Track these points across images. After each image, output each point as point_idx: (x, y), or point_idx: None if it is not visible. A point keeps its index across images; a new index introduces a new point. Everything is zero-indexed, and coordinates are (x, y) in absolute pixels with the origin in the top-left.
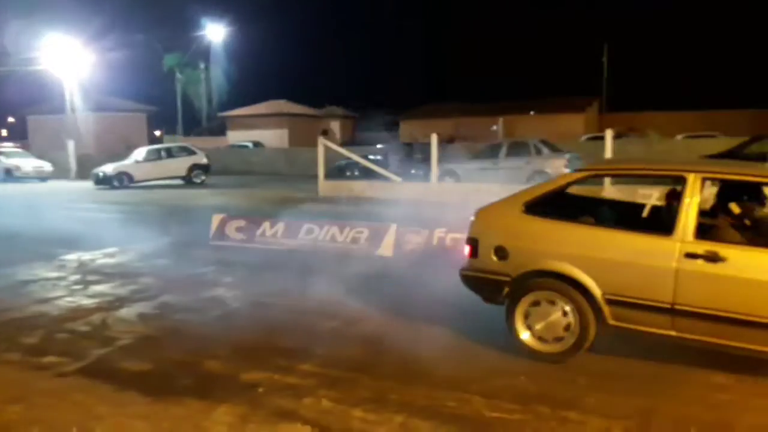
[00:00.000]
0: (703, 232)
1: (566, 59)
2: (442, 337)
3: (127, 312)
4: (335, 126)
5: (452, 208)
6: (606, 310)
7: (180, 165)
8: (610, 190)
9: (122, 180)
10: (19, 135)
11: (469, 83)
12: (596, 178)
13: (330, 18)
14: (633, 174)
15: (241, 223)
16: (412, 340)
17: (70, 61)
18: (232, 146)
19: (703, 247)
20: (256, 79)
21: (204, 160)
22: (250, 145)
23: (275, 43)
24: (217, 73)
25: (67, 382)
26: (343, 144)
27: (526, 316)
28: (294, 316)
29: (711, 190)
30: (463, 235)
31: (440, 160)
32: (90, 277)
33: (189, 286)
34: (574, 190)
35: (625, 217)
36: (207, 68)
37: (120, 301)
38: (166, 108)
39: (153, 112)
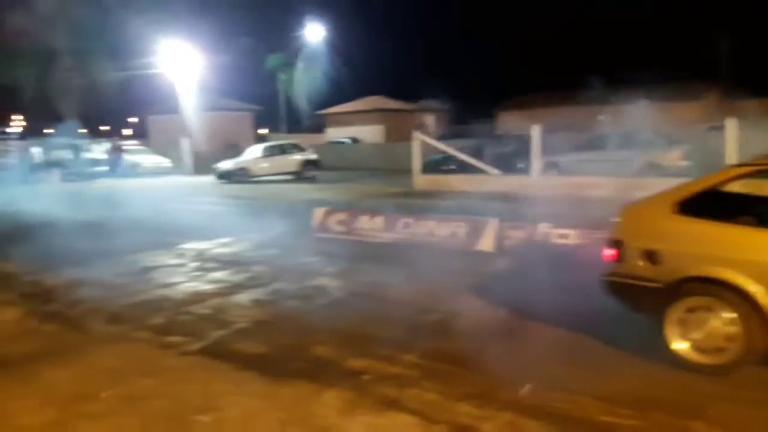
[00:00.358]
0: None
1: (680, 43)
2: (549, 335)
3: (242, 297)
4: (430, 120)
5: (555, 202)
6: None
7: (293, 161)
8: (735, 185)
9: (241, 175)
10: (141, 134)
11: (570, 71)
12: (764, 175)
13: (421, 14)
14: None
15: (342, 216)
16: (517, 337)
17: (184, 65)
18: (331, 143)
19: None
20: (353, 77)
21: (314, 157)
22: (348, 141)
23: (370, 40)
24: (316, 72)
25: (191, 360)
26: (438, 138)
27: (681, 325)
28: (394, 307)
29: None
30: (570, 231)
31: (541, 151)
32: (207, 265)
33: (296, 274)
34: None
35: None
36: (306, 68)
37: (235, 288)
38: (268, 107)
39: (257, 111)
